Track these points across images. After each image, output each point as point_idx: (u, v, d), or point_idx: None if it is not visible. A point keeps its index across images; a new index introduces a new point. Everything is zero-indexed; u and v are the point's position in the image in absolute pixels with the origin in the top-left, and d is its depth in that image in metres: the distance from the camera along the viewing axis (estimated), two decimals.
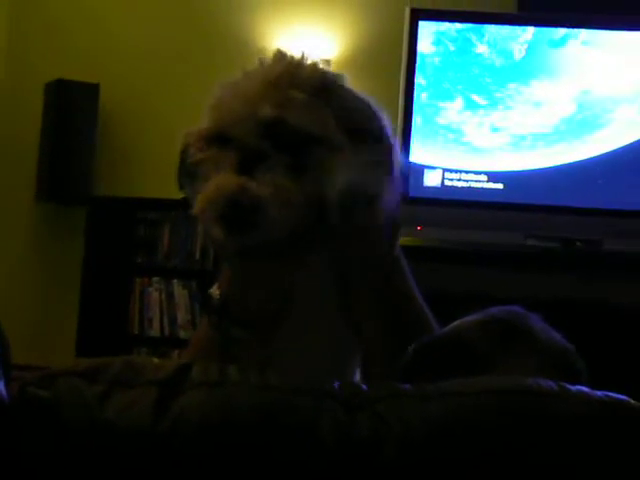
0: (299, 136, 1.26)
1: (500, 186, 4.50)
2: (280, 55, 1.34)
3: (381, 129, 1.34)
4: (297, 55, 1.35)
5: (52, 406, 1.01)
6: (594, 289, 4.55)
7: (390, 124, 1.40)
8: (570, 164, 4.47)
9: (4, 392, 0.99)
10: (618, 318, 4.54)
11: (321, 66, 1.36)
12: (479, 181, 4.51)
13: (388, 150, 1.34)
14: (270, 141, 1.26)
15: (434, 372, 1.13)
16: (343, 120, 1.31)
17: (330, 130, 1.28)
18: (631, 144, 4.44)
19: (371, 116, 1.36)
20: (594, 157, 4.46)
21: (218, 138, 1.32)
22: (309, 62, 1.36)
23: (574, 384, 1.13)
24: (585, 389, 1.05)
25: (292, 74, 1.32)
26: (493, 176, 4.50)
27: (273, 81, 1.29)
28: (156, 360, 1.09)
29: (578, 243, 4.46)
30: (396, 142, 1.37)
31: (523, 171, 4.49)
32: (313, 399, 1.01)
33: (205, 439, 0.97)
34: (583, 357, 4.15)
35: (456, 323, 1.29)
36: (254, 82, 1.31)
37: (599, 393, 1.04)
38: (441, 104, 4.53)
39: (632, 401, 1.04)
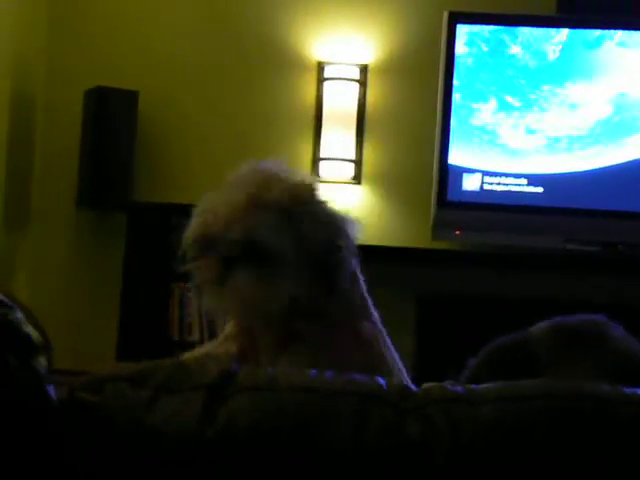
0: (264, 250, 1.70)
1: (540, 189, 4.47)
2: (254, 174, 1.82)
3: (339, 246, 1.78)
4: (272, 172, 1.81)
5: (100, 411, 1.01)
6: (635, 293, 4.51)
7: (352, 232, 1.90)
8: (609, 167, 4.43)
9: (53, 395, 1.00)
10: None
11: (293, 183, 1.80)
12: (519, 185, 4.49)
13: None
14: (242, 253, 1.71)
15: (498, 375, 1.12)
16: (309, 233, 1.74)
17: (287, 246, 1.71)
18: None
19: (333, 231, 1.80)
20: (634, 160, 4.42)
21: (203, 244, 1.78)
22: (281, 181, 1.79)
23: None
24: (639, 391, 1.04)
25: (262, 197, 1.75)
26: (532, 179, 4.47)
27: (245, 203, 1.73)
28: (202, 363, 1.09)
29: (619, 246, 4.43)
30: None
31: (562, 174, 4.46)
32: (360, 402, 1.00)
33: (254, 444, 0.97)
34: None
35: (529, 329, 1.29)
36: (232, 201, 1.76)
37: None
38: (475, 105, 4.51)
39: None
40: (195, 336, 4.43)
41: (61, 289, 4.80)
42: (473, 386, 1.02)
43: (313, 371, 1.07)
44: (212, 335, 4.40)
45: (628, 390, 1.02)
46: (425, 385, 1.04)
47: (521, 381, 1.04)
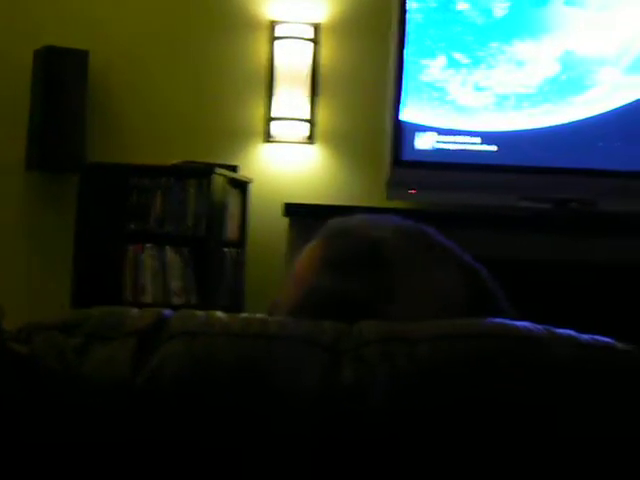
0: None
1: (494, 148, 4.48)
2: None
3: None
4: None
5: (30, 360, 0.99)
6: (588, 249, 4.53)
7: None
8: (561, 125, 4.45)
9: None
10: (612, 276, 4.54)
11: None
12: (472, 143, 4.49)
13: None
14: None
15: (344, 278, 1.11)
16: None
17: None
18: (622, 107, 4.42)
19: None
20: (585, 119, 4.45)
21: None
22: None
23: (490, 302, 1.13)
24: (573, 333, 1.04)
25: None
26: (486, 138, 4.48)
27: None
28: (135, 310, 1.07)
29: (572, 203, 4.45)
30: None
31: (514, 132, 4.47)
32: (295, 346, 0.99)
33: (182, 391, 0.95)
34: (576, 315, 4.15)
35: (365, 222, 1.22)
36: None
37: (586, 336, 1.02)
38: (424, 61, 4.50)
39: (618, 343, 1.03)
40: (149, 297, 4.41)
41: (12, 254, 4.76)
42: (408, 324, 1.01)
43: (248, 315, 1.05)
44: (165, 296, 4.38)
45: (561, 331, 1.01)
46: (363, 323, 1.02)
47: (456, 319, 1.03)
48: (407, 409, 0.94)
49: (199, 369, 0.97)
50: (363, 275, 1.11)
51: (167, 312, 1.04)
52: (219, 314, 1.06)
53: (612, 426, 0.95)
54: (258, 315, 1.07)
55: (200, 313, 1.05)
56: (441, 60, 4.50)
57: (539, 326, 1.01)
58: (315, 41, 4.74)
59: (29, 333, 1.04)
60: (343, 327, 1.01)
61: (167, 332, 1.00)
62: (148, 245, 4.40)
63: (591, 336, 1.02)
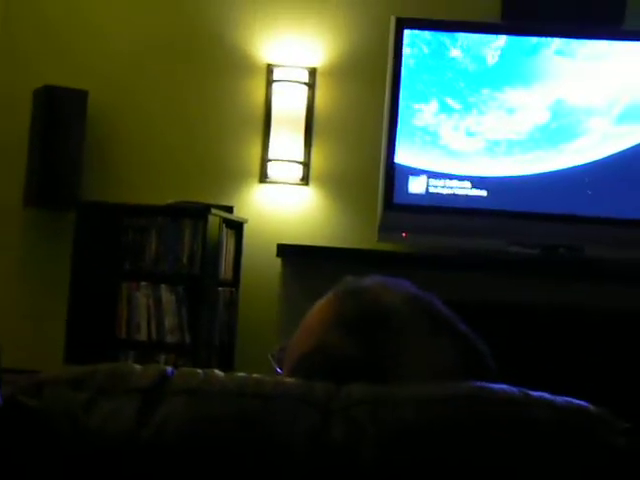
0: None
1: (484, 193, 4.56)
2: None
3: None
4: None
5: (39, 413, 1.05)
6: (576, 294, 4.61)
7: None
8: (551, 172, 4.53)
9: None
10: (599, 322, 4.60)
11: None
12: (463, 187, 4.57)
13: None
14: None
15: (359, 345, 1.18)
16: None
17: None
18: (611, 155, 4.50)
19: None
20: (574, 167, 4.52)
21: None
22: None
23: (481, 367, 1.20)
24: (547, 395, 1.10)
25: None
26: (476, 182, 4.56)
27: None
28: (139, 367, 1.13)
29: (560, 249, 4.52)
30: None
31: (504, 177, 4.55)
32: (288, 405, 1.05)
33: (186, 445, 1.02)
34: (566, 359, 4.21)
35: (379, 285, 1.27)
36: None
37: (560, 399, 1.09)
38: (416, 106, 4.59)
39: (591, 407, 1.09)
40: (143, 335, 4.46)
41: (9, 289, 4.81)
42: (395, 387, 1.08)
43: (245, 375, 1.12)
44: (159, 334, 4.44)
45: (536, 394, 1.08)
46: (350, 385, 1.09)
47: (443, 382, 1.10)
48: (394, 467, 1.01)
49: (199, 425, 1.04)
50: (370, 338, 1.18)
51: (169, 370, 1.11)
52: (217, 373, 1.13)
53: None
54: (254, 375, 1.15)
55: (199, 371, 1.12)
56: (434, 105, 4.59)
57: (515, 389, 1.09)
58: (311, 85, 4.83)
59: (39, 387, 1.10)
60: (334, 388, 1.09)
61: (169, 389, 1.07)
62: (143, 283, 4.47)
63: (565, 399, 1.09)
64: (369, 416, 1.04)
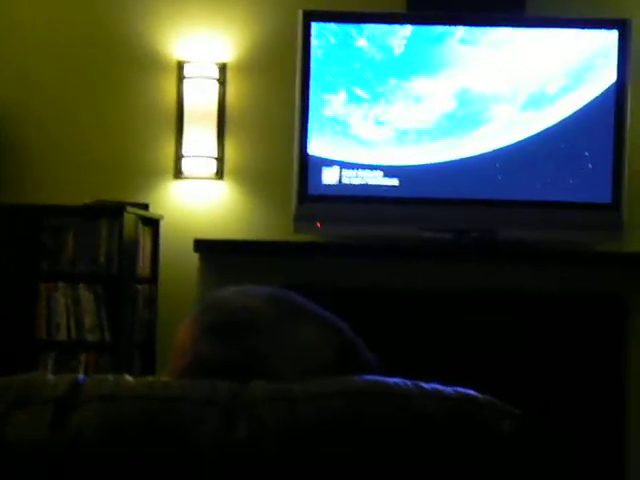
0: None
1: (395, 181, 4.64)
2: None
3: None
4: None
5: None
6: (490, 277, 4.73)
7: None
8: (460, 159, 4.64)
9: None
10: (514, 304, 4.73)
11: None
12: (375, 177, 4.65)
13: None
14: None
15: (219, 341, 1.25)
16: None
17: None
18: (518, 142, 4.62)
19: None
20: (483, 153, 4.63)
21: None
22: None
23: (354, 356, 1.27)
24: (439, 387, 1.18)
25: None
26: (388, 171, 4.64)
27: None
28: (53, 377, 1.18)
29: (473, 233, 4.63)
30: None
31: (415, 166, 4.64)
32: (194, 406, 1.12)
33: (97, 452, 1.08)
34: (479, 340, 4.31)
35: (237, 293, 1.34)
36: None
37: (450, 390, 1.16)
38: (326, 96, 4.66)
39: (479, 396, 1.17)
40: (63, 335, 4.48)
41: None
42: (293, 384, 1.15)
43: (153, 379, 1.19)
44: (79, 334, 4.46)
45: (427, 386, 1.15)
46: (253, 383, 1.16)
47: (336, 378, 1.17)
48: (296, 462, 1.08)
49: (111, 430, 1.10)
50: (239, 341, 1.25)
51: (81, 378, 1.16)
52: (127, 378, 1.18)
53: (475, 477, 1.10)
54: (162, 378, 1.21)
55: (110, 378, 1.18)
56: (342, 95, 4.66)
57: (407, 381, 1.16)
58: (222, 80, 4.87)
59: None
60: (237, 387, 1.15)
61: (82, 397, 1.13)
62: (61, 284, 4.48)
63: (455, 389, 1.17)
64: (271, 413, 1.11)
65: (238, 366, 1.23)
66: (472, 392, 1.18)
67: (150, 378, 1.21)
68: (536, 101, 4.63)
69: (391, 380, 1.17)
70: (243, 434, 1.10)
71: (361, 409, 1.12)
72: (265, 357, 1.24)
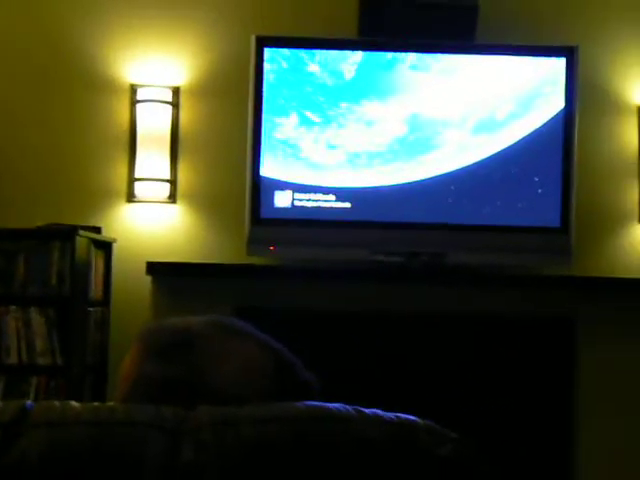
0: None
1: (347, 205, 4.68)
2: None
3: None
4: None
5: None
6: (439, 300, 4.77)
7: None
8: (412, 183, 4.69)
9: None
10: (462, 326, 4.78)
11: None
12: (327, 200, 4.68)
13: None
14: None
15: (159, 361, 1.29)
16: None
17: None
18: (468, 166, 4.68)
19: None
20: (434, 177, 4.69)
21: None
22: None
23: (291, 375, 1.33)
24: (380, 412, 1.21)
25: None
26: (340, 195, 4.68)
27: None
28: (1, 403, 1.20)
29: (423, 257, 4.67)
30: None
31: (367, 188, 4.69)
32: (139, 430, 1.14)
33: (43, 475, 1.10)
34: (427, 363, 4.35)
35: (178, 318, 1.41)
36: None
37: (390, 415, 1.20)
38: (277, 120, 4.70)
39: (419, 420, 1.20)
40: (13, 359, 4.46)
41: None
42: (238, 409, 1.18)
43: (99, 404, 1.21)
44: (30, 357, 4.44)
45: (368, 411, 1.18)
46: (198, 408, 1.19)
47: (279, 403, 1.20)
48: None
49: (56, 455, 1.12)
50: (178, 359, 1.30)
51: (29, 404, 1.18)
52: (74, 404, 1.21)
53: None
54: (108, 403, 1.23)
55: (57, 404, 1.20)
56: (294, 118, 4.70)
57: (349, 407, 1.19)
58: (175, 104, 4.89)
59: None
60: (182, 412, 1.18)
61: (28, 423, 1.15)
62: (12, 307, 4.47)
63: (395, 414, 1.20)
64: (216, 437, 1.14)
65: (181, 383, 1.27)
66: (412, 417, 1.21)
67: (96, 404, 1.23)
68: (486, 126, 4.70)
69: (332, 405, 1.20)
70: (189, 458, 1.12)
71: (303, 433, 1.15)
72: (206, 374, 1.28)
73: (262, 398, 1.24)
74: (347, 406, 1.20)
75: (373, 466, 1.14)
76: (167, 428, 1.15)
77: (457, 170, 4.69)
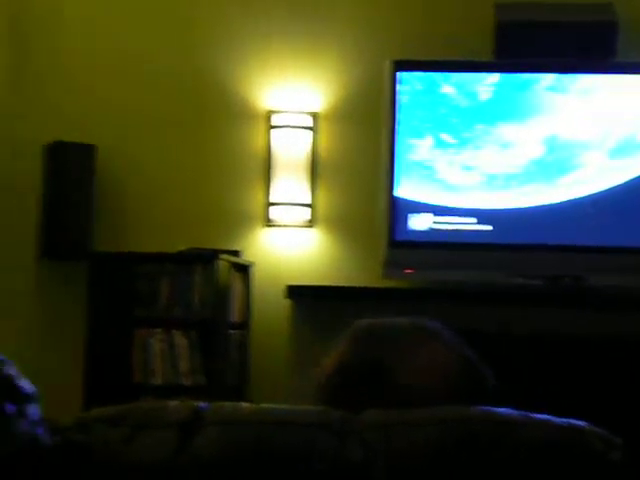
0: None
1: (489, 227, 4.64)
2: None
3: None
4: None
5: (87, 449, 1.16)
6: (580, 323, 4.69)
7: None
8: (551, 205, 4.63)
9: (46, 437, 1.15)
10: (605, 350, 4.69)
11: None
12: (467, 223, 4.66)
13: None
14: None
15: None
16: None
17: None
18: (609, 189, 4.60)
19: None
20: (573, 199, 4.62)
21: None
22: None
23: (480, 386, 1.35)
24: (549, 417, 1.21)
25: None
26: (480, 217, 4.64)
27: None
28: (175, 403, 1.25)
29: (564, 279, 4.61)
30: None
31: (506, 210, 4.64)
32: (307, 430, 1.17)
33: (219, 473, 1.13)
34: (571, 385, 4.26)
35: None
36: None
37: (559, 420, 1.19)
38: (412, 141, 4.70)
39: (589, 426, 1.19)
40: (159, 379, 4.56)
41: (26, 339, 4.90)
42: (405, 411, 1.19)
43: (268, 405, 1.24)
44: (174, 378, 4.54)
45: (537, 416, 1.18)
46: (365, 411, 1.21)
47: (448, 406, 1.21)
48: None
49: (228, 453, 1.15)
50: (375, 346, 1.38)
51: (202, 405, 1.22)
52: (244, 405, 1.24)
53: None
54: (275, 405, 1.26)
55: (229, 405, 1.24)
56: (429, 140, 4.70)
57: (517, 411, 1.19)
58: (312, 129, 4.94)
59: (83, 426, 1.21)
60: (348, 415, 1.20)
61: (203, 422, 1.18)
62: (157, 330, 4.57)
63: (564, 420, 1.20)
64: (382, 439, 1.15)
65: (372, 370, 1.32)
66: (582, 422, 1.20)
67: (264, 405, 1.26)
68: (625, 148, 4.62)
69: (502, 410, 1.20)
70: (357, 458, 1.14)
71: (468, 435, 1.15)
72: (394, 369, 1.32)
73: (443, 399, 1.26)
74: (514, 410, 1.20)
75: (545, 469, 1.14)
76: (334, 429, 1.17)
77: (597, 192, 4.62)
